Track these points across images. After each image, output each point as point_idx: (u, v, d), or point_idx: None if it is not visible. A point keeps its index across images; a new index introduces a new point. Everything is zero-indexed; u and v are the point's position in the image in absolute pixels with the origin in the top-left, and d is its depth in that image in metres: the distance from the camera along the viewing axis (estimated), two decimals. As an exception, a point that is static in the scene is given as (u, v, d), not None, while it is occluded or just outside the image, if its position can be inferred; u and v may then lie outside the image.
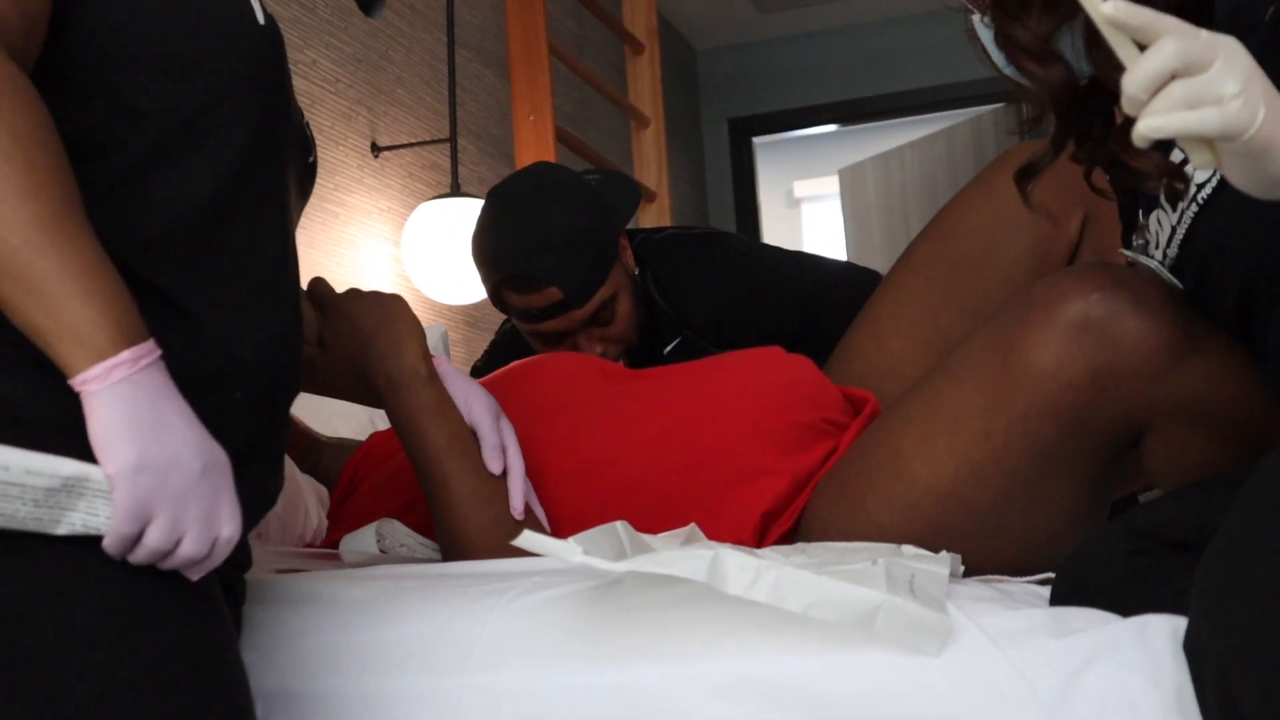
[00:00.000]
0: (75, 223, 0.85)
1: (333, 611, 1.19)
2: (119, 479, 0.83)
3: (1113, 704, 0.98)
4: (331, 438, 1.84)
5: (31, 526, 0.81)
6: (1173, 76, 0.86)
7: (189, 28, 0.98)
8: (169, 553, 0.86)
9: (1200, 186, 1.13)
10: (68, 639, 0.83)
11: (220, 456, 0.89)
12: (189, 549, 0.86)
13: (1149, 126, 0.86)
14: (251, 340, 1.01)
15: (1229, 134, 0.86)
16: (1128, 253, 1.27)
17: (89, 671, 0.84)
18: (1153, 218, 1.21)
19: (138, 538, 0.85)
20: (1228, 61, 0.86)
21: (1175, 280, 1.22)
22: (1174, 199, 1.16)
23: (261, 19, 1.04)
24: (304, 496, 1.81)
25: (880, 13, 5.70)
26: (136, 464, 0.83)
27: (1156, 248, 1.21)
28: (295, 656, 1.15)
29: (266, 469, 1.08)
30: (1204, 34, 0.87)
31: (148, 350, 0.85)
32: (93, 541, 0.85)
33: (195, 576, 0.89)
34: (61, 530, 0.82)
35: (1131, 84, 0.87)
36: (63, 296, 0.82)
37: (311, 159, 1.19)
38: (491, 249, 1.86)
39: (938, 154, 5.65)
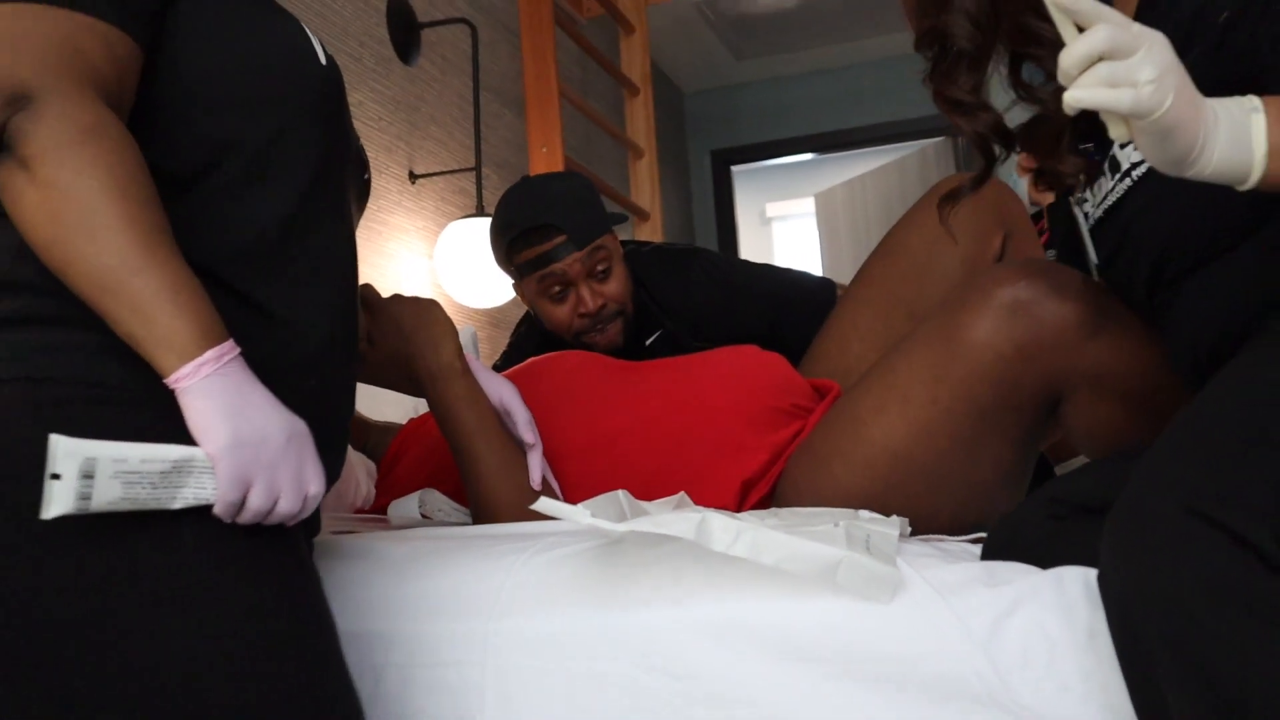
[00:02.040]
0: (164, 245, 0.84)
1: (382, 566, 1.20)
2: (220, 456, 0.83)
3: (1034, 641, 1.00)
4: (378, 421, 1.85)
5: (152, 505, 0.82)
6: (1102, 58, 0.87)
7: (263, 70, 0.98)
8: (269, 512, 0.86)
9: (1137, 164, 1.14)
10: (205, 587, 0.85)
11: (301, 427, 0.89)
12: (285, 506, 0.86)
13: (1073, 97, 0.87)
14: (321, 335, 1.01)
15: (1138, 113, 0.87)
16: (1074, 201, 1.27)
17: (224, 608, 0.86)
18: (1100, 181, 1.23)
19: (242, 503, 0.85)
20: (1149, 52, 0.86)
21: (1089, 241, 1.23)
22: (1114, 169, 1.17)
23: (323, 59, 1.03)
24: (355, 470, 1.82)
25: (838, 61, 5.71)
26: (232, 442, 0.83)
27: (1093, 205, 1.22)
28: (351, 603, 1.15)
29: (335, 447, 1.07)
30: (1135, 27, 0.88)
31: (229, 349, 0.85)
32: (205, 511, 0.86)
33: (291, 523, 0.90)
34: (178, 505, 0.83)
35: (1066, 60, 0.88)
36: (154, 309, 0.82)
37: (367, 176, 1.19)
38: (508, 214, 1.87)
39: (891, 180, 5.67)
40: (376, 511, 1.70)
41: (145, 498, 0.81)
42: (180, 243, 0.92)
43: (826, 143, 5.92)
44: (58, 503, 0.78)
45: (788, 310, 1.96)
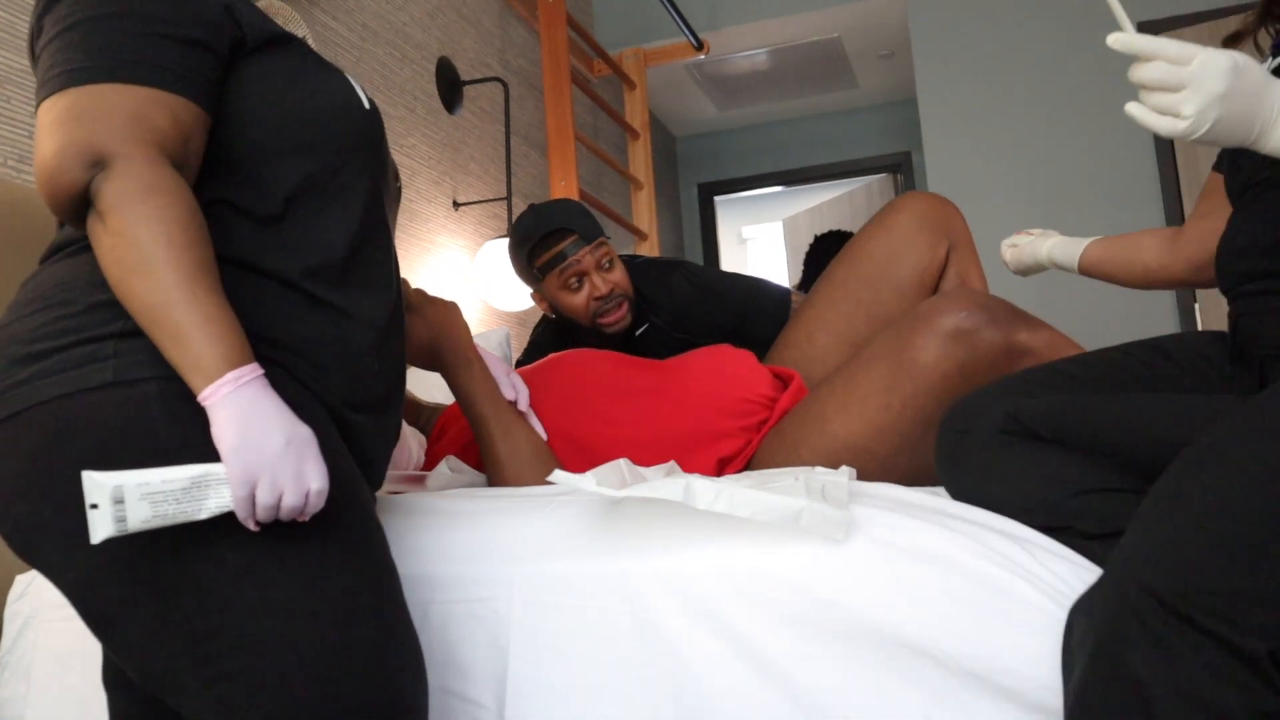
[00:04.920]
0: (202, 283, 0.81)
1: (428, 520, 1.19)
2: (228, 457, 0.79)
3: (960, 601, 0.99)
4: (428, 402, 1.84)
5: (183, 519, 0.79)
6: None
7: (321, 119, 0.97)
8: (275, 506, 0.81)
9: None
10: (300, 540, 0.85)
11: (303, 432, 0.83)
12: (289, 501, 0.81)
13: (1129, 111, 0.89)
14: (380, 324, 0.99)
15: (1175, 136, 0.88)
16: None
17: (323, 553, 0.86)
18: None
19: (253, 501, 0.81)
20: (1194, 91, 0.86)
21: None
22: None
23: (366, 104, 1.02)
24: (408, 441, 1.82)
25: (799, 112, 5.69)
26: (237, 444, 0.79)
27: None
28: (403, 550, 1.15)
29: (396, 413, 1.06)
30: (1195, 62, 0.87)
31: (247, 371, 0.81)
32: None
33: (302, 518, 0.84)
34: (204, 515, 0.79)
35: (1132, 75, 0.89)
36: (188, 339, 0.80)
37: (398, 184, 1.16)
38: (525, 230, 1.86)
39: (844, 209, 5.66)
40: (425, 471, 1.70)
41: (174, 512, 0.78)
42: (272, 263, 0.92)
43: (791, 178, 5.90)
44: (100, 528, 0.76)
45: (752, 309, 1.94)
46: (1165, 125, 0.87)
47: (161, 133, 0.85)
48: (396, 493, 1.40)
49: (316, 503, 0.83)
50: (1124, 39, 0.87)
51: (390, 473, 1.65)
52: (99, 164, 0.82)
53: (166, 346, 0.81)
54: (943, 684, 0.96)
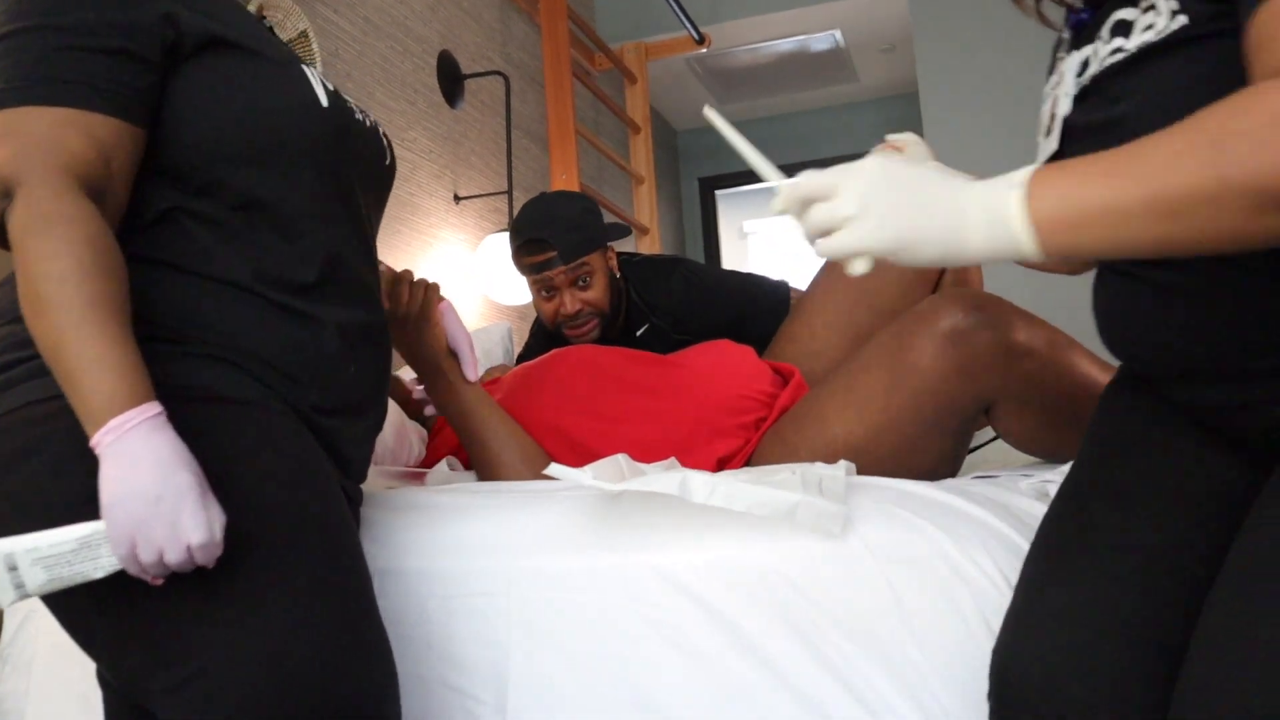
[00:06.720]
0: (96, 320, 0.76)
1: (425, 515, 1.19)
2: (104, 515, 0.75)
3: (945, 609, 0.98)
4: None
5: (80, 579, 0.76)
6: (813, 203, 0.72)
7: (271, 126, 0.92)
8: (158, 563, 0.76)
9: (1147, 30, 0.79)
10: (259, 542, 0.82)
11: (180, 481, 0.75)
12: (170, 558, 0.75)
13: (817, 250, 0.73)
14: (351, 327, 0.97)
15: (861, 252, 0.70)
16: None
17: (283, 554, 0.84)
18: (1070, 60, 0.89)
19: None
20: (846, 192, 0.71)
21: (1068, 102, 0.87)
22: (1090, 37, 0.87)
23: (325, 101, 0.96)
24: (409, 435, 1.82)
25: (800, 105, 5.68)
26: (109, 502, 0.75)
27: (1064, 77, 0.90)
28: (398, 545, 1.15)
29: (377, 412, 1.04)
30: (833, 172, 0.71)
31: (134, 415, 0.75)
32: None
33: (193, 567, 0.78)
34: (100, 574, 0.76)
35: (775, 205, 0.76)
36: (79, 383, 0.75)
37: (389, 161, 1.09)
38: (518, 223, 1.86)
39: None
40: (425, 466, 1.70)
41: (70, 574, 0.75)
42: (233, 271, 0.89)
43: (793, 171, 5.87)
44: (3, 595, 0.75)
45: (751, 306, 1.94)
46: (844, 241, 0.69)
47: (74, 155, 0.80)
48: (393, 486, 1.40)
49: (202, 556, 0.77)
50: (785, 190, 0.70)
51: (391, 468, 1.65)
52: (7, 194, 0.79)
53: (66, 390, 0.77)
54: (941, 687, 0.96)
